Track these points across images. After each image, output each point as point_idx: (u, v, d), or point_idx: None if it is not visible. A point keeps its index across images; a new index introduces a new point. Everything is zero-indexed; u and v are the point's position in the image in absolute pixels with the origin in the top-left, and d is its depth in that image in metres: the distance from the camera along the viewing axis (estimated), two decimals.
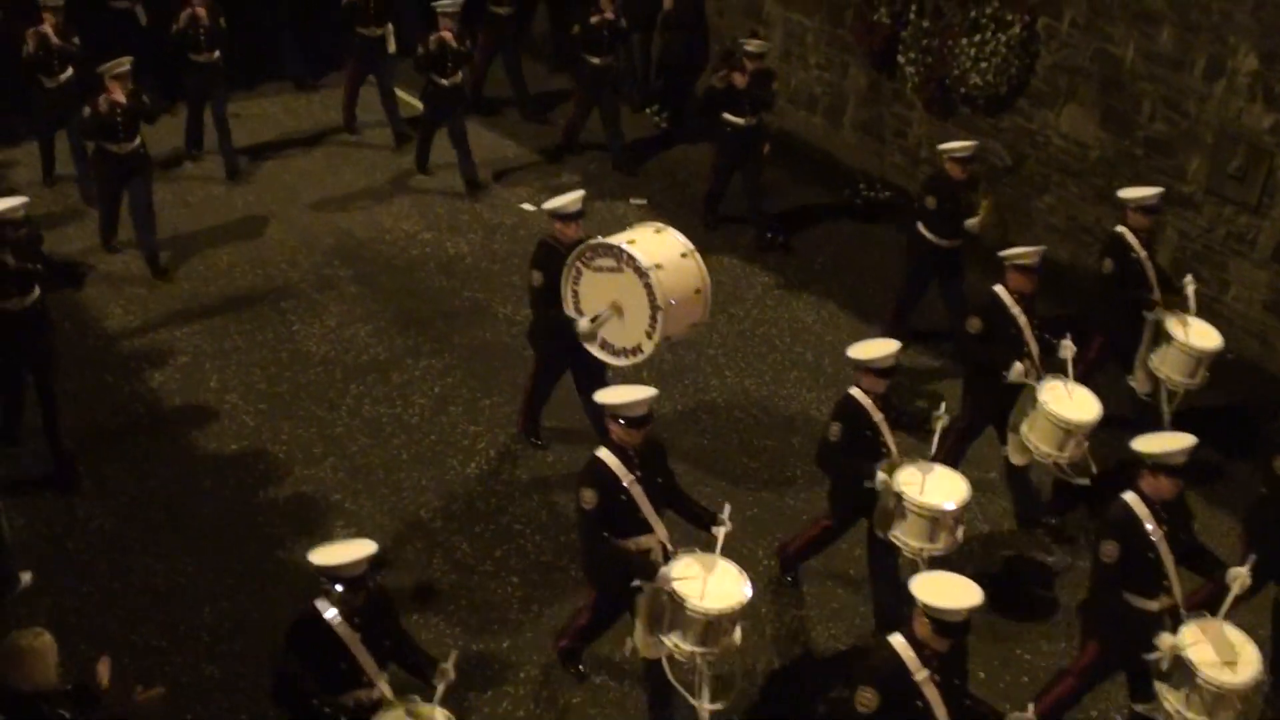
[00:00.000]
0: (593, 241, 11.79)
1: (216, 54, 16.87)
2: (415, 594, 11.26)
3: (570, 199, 12.15)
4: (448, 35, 16.66)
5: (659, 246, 11.79)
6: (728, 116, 15.97)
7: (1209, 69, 14.44)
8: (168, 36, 16.78)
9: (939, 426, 10.68)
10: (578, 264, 11.78)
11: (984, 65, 15.92)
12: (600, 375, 12.18)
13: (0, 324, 11.91)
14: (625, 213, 16.68)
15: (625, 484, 9.55)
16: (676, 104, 19.08)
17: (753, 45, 16.15)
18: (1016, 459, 11.79)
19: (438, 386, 13.60)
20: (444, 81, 16.83)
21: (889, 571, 10.81)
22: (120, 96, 14.63)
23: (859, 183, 17.43)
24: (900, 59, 16.81)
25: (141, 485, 12.19)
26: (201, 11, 16.54)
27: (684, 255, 11.84)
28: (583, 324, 11.87)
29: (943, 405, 10.82)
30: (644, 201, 16.90)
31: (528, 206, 16.76)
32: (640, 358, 11.83)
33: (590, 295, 11.83)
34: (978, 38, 15.88)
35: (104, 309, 14.57)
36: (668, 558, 9.61)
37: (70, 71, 15.94)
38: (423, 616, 11.01)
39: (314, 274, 15.33)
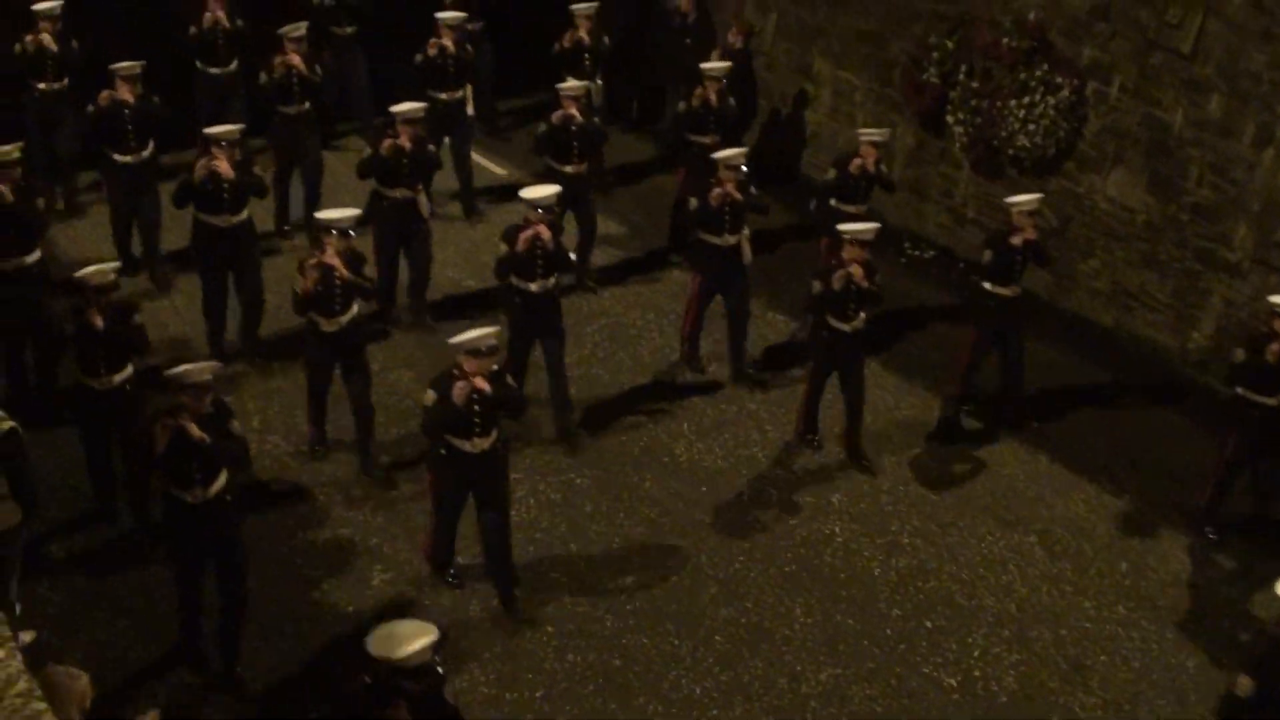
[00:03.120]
0: None
1: (307, 105, 16.44)
2: (450, 640, 11.24)
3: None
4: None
5: None
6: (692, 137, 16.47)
7: (1258, 137, 14.42)
8: (259, 88, 16.38)
9: None
10: None
11: (1032, 127, 15.93)
12: None
13: (88, 402, 11.79)
14: (670, 270, 16.83)
15: None
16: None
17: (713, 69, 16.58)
18: None
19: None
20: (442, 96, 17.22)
21: None
22: (127, 95, 14.66)
23: (904, 242, 17.42)
24: (948, 119, 16.83)
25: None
26: (296, 60, 16.08)
27: None
28: None
29: None
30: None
31: (574, 256, 16.75)
32: None
33: None
34: (1027, 100, 15.89)
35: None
36: None
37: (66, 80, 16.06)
38: (458, 662, 10.99)
39: None
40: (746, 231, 14.26)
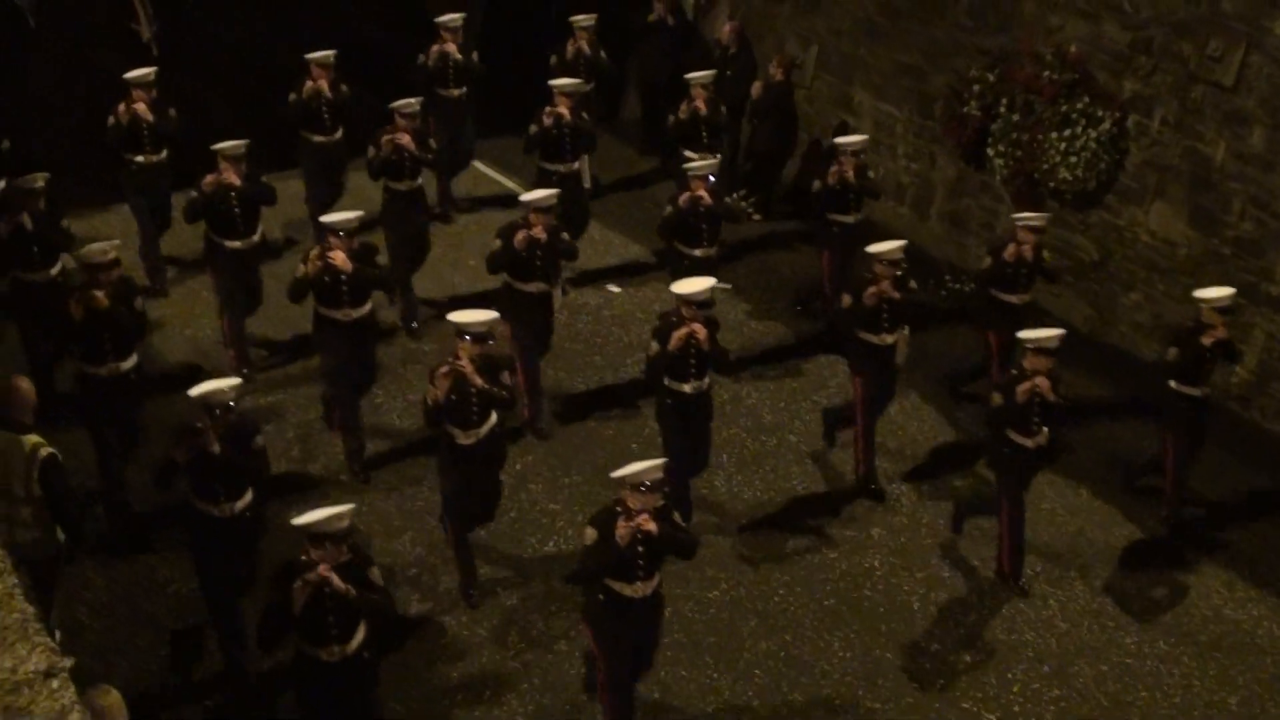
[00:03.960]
0: None
1: (419, 182, 15.54)
2: (490, 672, 11.27)
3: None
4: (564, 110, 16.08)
5: None
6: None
7: None
8: (366, 163, 15.31)
9: None
10: None
11: (1073, 160, 15.90)
12: None
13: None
14: (710, 296, 16.68)
15: None
16: (765, 191, 19.12)
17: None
18: None
19: (518, 464, 13.60)
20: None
21: None
22: (233, 178, 13.89)
23: (944, 274, 17.41)
24: (989, 151, 16.80)
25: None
26: (405, 139, 15.04)
27: None
28: None
29: None
30: (729, 286, 16.87)
31: (613, 288, 16.78)
32: None
33: None
34: (1068, 132, 15.86)
35: (190, 375, 14.07)
36: None
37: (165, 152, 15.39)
38: (495, 693, 11.02)
39: (400, 347, 15.39)
40: (905, 331, 13.42)
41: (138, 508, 12.41)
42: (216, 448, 10.34)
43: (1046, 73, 16.03)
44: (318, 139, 16.43)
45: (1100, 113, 15.76)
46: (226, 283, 14.40)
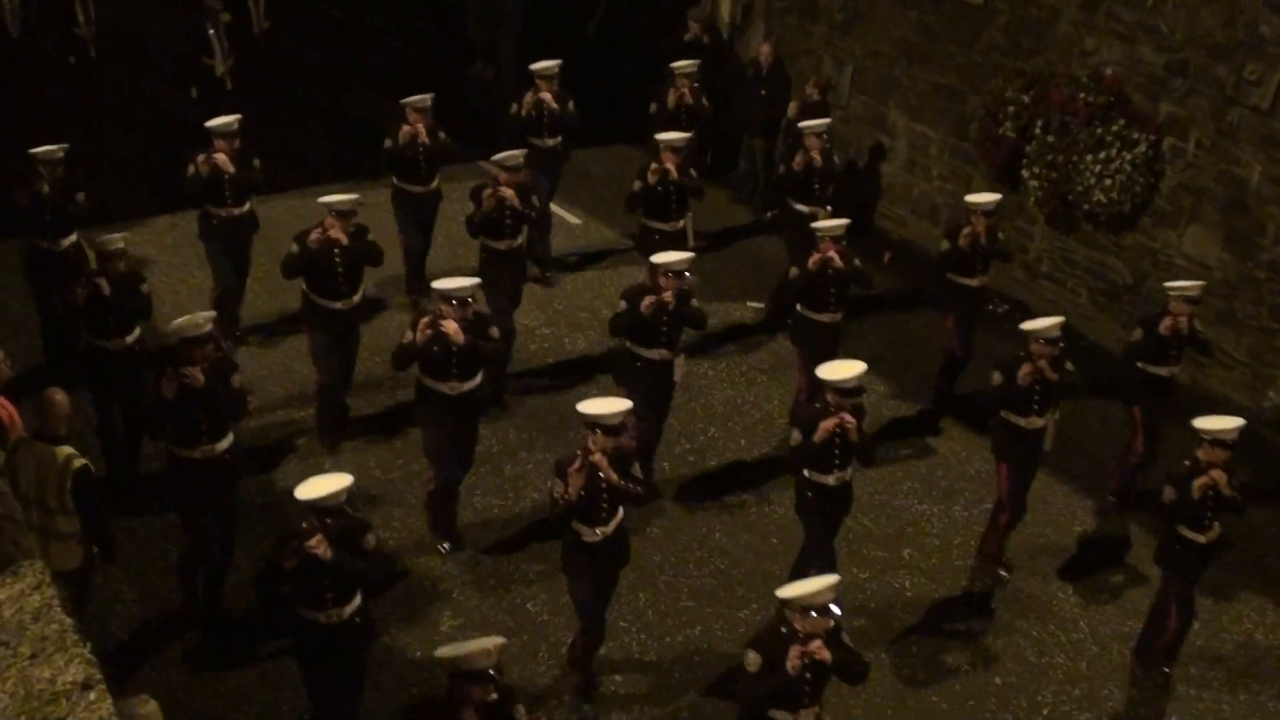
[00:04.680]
0: None
1: (520, 240, 14.58)
2: (519, 688, 11.29)
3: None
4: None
5: None
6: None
7: None
8: (467, 220, 14.37)
9: None
10: None
11: (1108, 182, 15.89)
12: None
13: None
14: (742, 315, 16.78)
15: None
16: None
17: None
18: None
19: (550, 480, 13.58)
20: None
21: None
22: (339, 235, 12.94)
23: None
24: (1024, 173, 16.81)
25: (253, 567, 12.21)
26: (509, 193, 14.10)
27: None
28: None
29: None
30: (760, 305, 16.89)
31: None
32: None
33: None
34: (1103, 155, 15.86)
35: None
36: None
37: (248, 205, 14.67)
38: (526, 711, 11.04)
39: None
40: (1057, 414, 12.58)
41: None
42: (328, 553, 9.50)
43: (1082, 95, 16.04)
44: (415, 189, 15.58)
45: (1135, 135, 15.76)
46: (321, 347, 13.49)
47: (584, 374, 15.36)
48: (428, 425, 12.49)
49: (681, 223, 15.54)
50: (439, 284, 11.99)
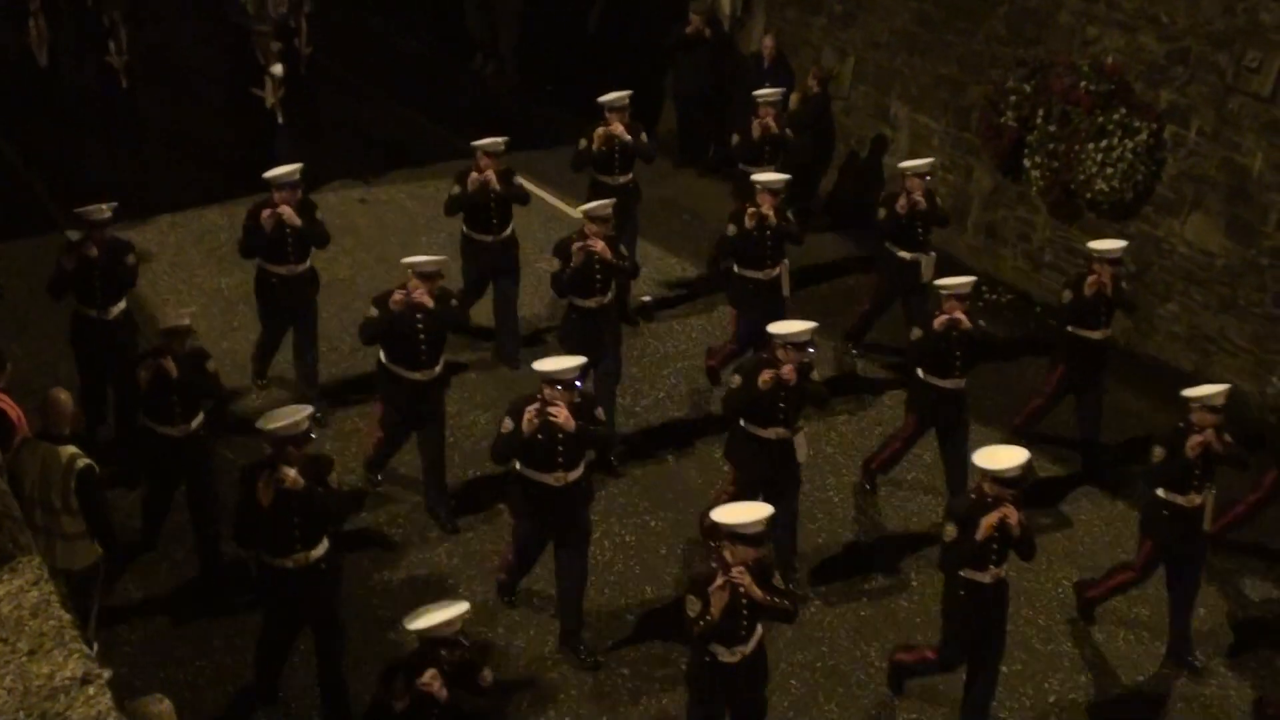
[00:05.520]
0: None
1: (609, 297, 13.45)
2: (528, 682, 11.31)
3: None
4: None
5: None
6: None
7: None
8: (553, 279, 13.40)
9: None
10: None
11: (1110, 171, 15.88)
12: None
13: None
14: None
15: None
16: (801, 203, 19.12)
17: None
18: None
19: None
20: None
21: None
22: (425, 299, 12.02)
23: (980, 285, 17.34)
24: (1026, 163, 16.80)
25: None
26: (600, 246, 12.97)
27: None
28: None
29: None
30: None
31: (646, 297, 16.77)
32: None
33: None
34: (1104, 143, 15.84)
35: (232, 397, 14.16)
36: None
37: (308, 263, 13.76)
38: (534, 705, 11.06)
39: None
40: (1213, 491, 11.52)
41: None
42: (442, 692, 8.81)
43: (1083, 83, 16.03)
44: (485, 239, 14.74)
45: (1137, 123, 15.74)
46: (393, 421, 12.76)
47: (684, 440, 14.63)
48: (523, 515, 11.46)
49: (777, 270, 14.42)
50: (542, 365, 11.05)
